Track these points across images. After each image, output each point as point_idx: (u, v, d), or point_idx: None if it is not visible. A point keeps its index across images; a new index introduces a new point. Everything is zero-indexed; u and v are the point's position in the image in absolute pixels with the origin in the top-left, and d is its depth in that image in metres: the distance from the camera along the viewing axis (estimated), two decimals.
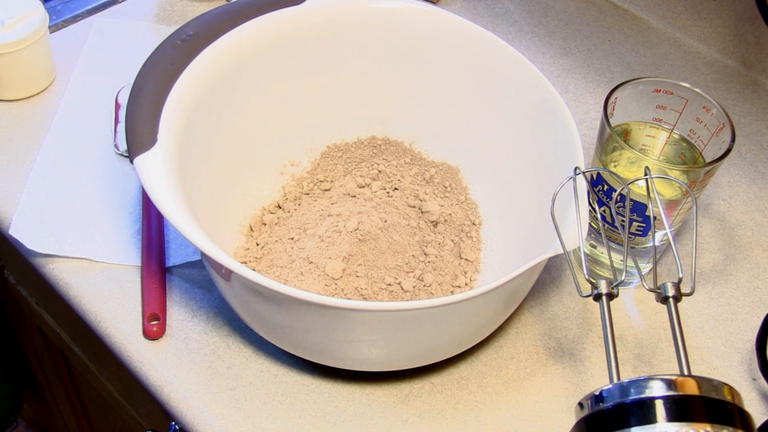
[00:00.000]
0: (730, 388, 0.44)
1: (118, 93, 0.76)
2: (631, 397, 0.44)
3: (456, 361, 0.61)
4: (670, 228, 0.54)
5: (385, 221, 0.62)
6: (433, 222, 0.66)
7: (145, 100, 0.56)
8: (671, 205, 0.60)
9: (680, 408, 0.43)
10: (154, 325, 0.60)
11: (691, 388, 0.43)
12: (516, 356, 0.62)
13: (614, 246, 0.63)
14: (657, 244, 0.64)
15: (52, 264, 0.64)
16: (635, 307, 0.66)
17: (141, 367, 0.59)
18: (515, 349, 0.62)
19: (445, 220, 0.66)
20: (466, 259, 0.64)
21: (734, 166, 0.77)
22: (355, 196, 0.68)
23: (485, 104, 0.66)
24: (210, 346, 0.60)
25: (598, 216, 0.61)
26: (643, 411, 0.43)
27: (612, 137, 0.59)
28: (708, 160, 0.61)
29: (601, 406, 0.45)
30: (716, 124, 0.61)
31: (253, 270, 0.52)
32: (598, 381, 0.61)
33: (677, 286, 0.51)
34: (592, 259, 0.66)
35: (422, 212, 0.66)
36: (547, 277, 0.67)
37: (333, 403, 0.58)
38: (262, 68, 0.64)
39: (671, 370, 0.62)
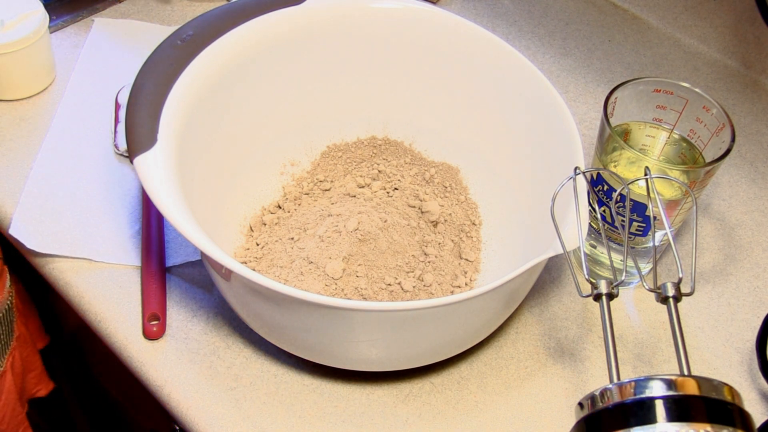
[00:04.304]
0: (730, 388, 0.44)
1: (118, 93, 0.76)
2: (631, 397, 0.44)
3: (456, 361, 0.61)
4: (670, 228, 0.54)
5: (385, 221, 0.62)
6: (433, 222, 0.66)
7: (145, 100, 0.56)
8: (671, 205, 0.60)
9: (680, 408, 0.43)
10: (154, 325, 0.60)
11: (691, 388, 0.43)
12: (516, 356, 0.62)
13: (614, 246, 0.63)
14: (657, 244, 0.64)
15: (52, 264, 0.64)
16: (635, 307, 0.66)
17: (141, 367, 0.59)
18: (515, 349, 0.62)
19: (445, 220, 0.66)
20: (466, 259, 0.64)
21: (734, 166, 0.77)
22: (355, 196, 0.68)
23: (485, 104, 0.66)
24: (210, 346, 0.60)
25: (598, 216, 0.61)
26: (643, 411, 0.43)
27: (612, 137, 0.59)
28: (708, 160, 0.61)
29: (601, 406, 0.45)
30: (716, 124, 0.61)
31: (253, 270, 0.52)
32: (598, 381, 0.61)
33: (677, 286, 0.51)
34: (592, 259, 0.66)
35: (422, 212, 0.66)
36: (547, 277, 0.67)
37: (333, 403, 0.58)
38: (262, 68, 0.64)
39: (671, 370, 0.62)
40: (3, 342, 0.75)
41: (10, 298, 0.75)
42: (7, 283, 0.74)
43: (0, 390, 0.76)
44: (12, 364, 0.77)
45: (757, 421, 0.59)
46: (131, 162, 0.53)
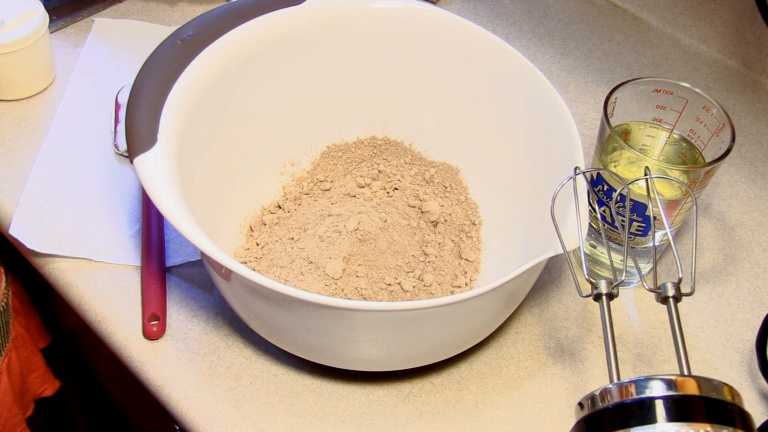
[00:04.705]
0: (730, 388, 0.44)
1: (118, 93, 0.76)
2: (631, 397, 0.44)
3: (456, 361, 0.61)
4: (670, 228, 0.54)
5: (385, 221, 0.62)
6: (433, 222, 0.66)
7: (145, 100, 0.56)
8: (671, 205, 0.60)
9: (680, 408, 0.43)
10: (154, 325, 0.60)
11: (691, 388, 0.43)
12: (516, 356, 0.62)
13: (614, 246, 0.63)
14: (657, 244, 0.64)
15: (52, 264, 0.64)
16: (635, 307, 0.66)
17: (141, 367, 0.59)
18: (515, 349, 0.62)
19: (445, 220, 0.66)
20: (466, 259, 0.64)
21: (734, 166, 0.77)
22: (355, 196, 0.68)
23: (485, 104, 0.66)
24: (210, 346, 0.60)
25: (598, 216, 0.61)
26: (643, 411, 0.43)
27: (612, 137, 0.59)
28: (708, 160, 0.61)
29: (601, 406, 0.45)
30: (716, 124, 0.61)
31: (253, 270, 0.52)
32: (598, 381, 0.61)
33: (677, 286, 0.51)
34: (592, 259, 0.66)
35: (422, 212, 0.66)
36: (547, 277, 0.67)
37: (333, 403, 0.58)
38: (262, 68, 0.64)
39: (671, 370, 0.62)
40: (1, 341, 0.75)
41: (5, 299, 0.75)
42: (3, 284, 0.74)
43: None
44: (8, 365, 0.77)
45: (757, 421, 0.59)
46: (131, 162, 0.53)
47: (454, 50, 0.66)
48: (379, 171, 0.69)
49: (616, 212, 0.60)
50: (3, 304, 0.74)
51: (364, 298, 0.59)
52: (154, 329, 0.60)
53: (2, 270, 0.74)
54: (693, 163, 0.63)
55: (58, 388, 0.86)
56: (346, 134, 0.71)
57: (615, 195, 0.59)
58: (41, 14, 0.73)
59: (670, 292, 0.51)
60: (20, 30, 0.72)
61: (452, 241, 0.65)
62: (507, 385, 0.60)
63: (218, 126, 0.62)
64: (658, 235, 0.63)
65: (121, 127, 0.73)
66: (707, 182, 0.59)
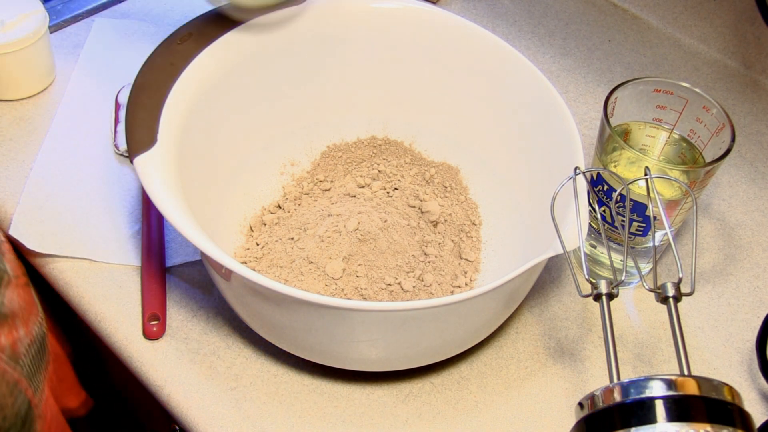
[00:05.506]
0: (730, 388, 0.44)
1: (118, 93, 0.76)
2: (631, 397, 0.44)
3: (456, 361, 0.61)
4: (670, 228, 0.54)
5: (385, 221, 0.62)
6: (433, 222, 0.66)
7: (145, 100, 0.56)
8: (671, 205, 0.60)
9: (680, 408, 0.43)
10: (154, 325, 0.60)
11: (691, 388, 0.43)
12: (516, 356, 0.62)
13: (614, 246, 0.63)
14: (657, 244, 0.64)
15: (52, 264, 0.64)
16: (635, 307, 0.66)
17: (141, 367, 0.59)
18: (515, 349, 0.62)
19: (445, 220, 0.66)
20: (466, 259, 0.64)
21: (734, 166, 0.77)
22: (355, 196, 0.68)
23: (485, 104, 0.66)
24: (210, 346, 0.60)
25: (598, 216, 0.61)
26: (643, 411, 0.43)
27: (612, 137, 0.59)
28: (708, 160, 0.61)
29: (601, 406, 0.45)
30: (716, 124, 0.61)
31: (253, 270, 0.52)
32: (598, 381, 0.61)
33: (677, 286, 0.51)
34: (592, 259, 0.66)
35: (422, 212, 0.66)
36: (547, 277, 0.67)
37: (333, 403, 0.58)
38: (262, 68, 0.64)
39: (671, 370, 0.62)
40: (40, 364, 0.69)
41: (41, 316, 0.69)
42: (38, 307, 0.69)
43: (45, 411, 0.70)
44: (49, 380, 0.73)
45: (757, 421, 0.59)
46: (131, 162, 0.53)
47: (454, 50, 0.66)
48: (379, 171, 0.69)
49: (616, 212, 0.60)
50: (39, 320, 0.69)
51: (364, 298, 0.59)
52: (154, 329, 0.60)
53: (29, 281, 0.69)
54: (693, 163, 0.63)
55: (90, 407, 0.82)
56: (346, 134, 0.70)
57: (615, 195, 0.59)
58: (41, 14, 0.73)
59: (670, 292, 0.51)
60: (20, 30, 0.72)
61: (452, 241, 0.65)
62: (507, 385, 0.60)
63: (218, 126, 0.62)
64: (658, 235, 0.63)
65: (121, 127, 0.73)
66: (707, 182, 0.59)
